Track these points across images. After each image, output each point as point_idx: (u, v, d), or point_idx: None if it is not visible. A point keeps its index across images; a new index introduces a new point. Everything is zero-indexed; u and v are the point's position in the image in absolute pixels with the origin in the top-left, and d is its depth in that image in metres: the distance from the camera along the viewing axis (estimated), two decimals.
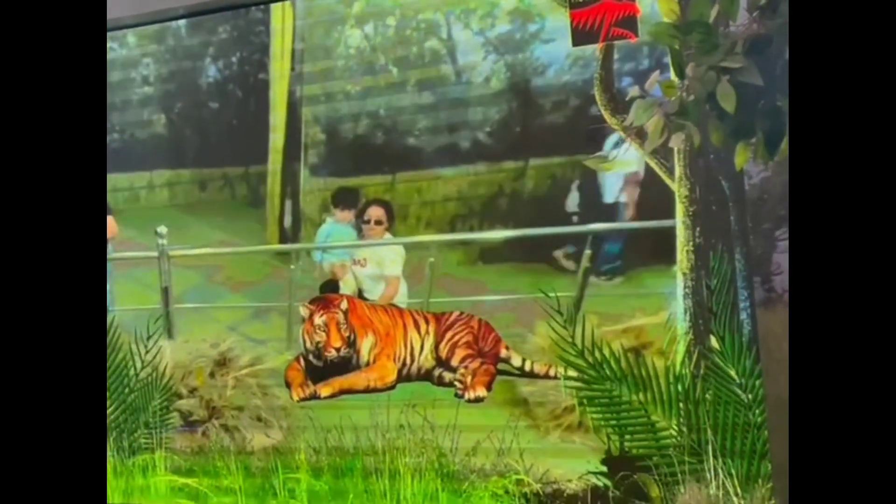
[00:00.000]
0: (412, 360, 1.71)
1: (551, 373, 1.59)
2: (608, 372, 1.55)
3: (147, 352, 1.87)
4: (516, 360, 1.62)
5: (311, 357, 1.75)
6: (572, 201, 1.59)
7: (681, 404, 1.50)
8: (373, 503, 1.67)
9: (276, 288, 1.79)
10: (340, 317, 1.73)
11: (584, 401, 1.56)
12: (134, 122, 1.92)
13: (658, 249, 1.52)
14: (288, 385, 1.76)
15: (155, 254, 1.87)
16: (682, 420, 1.50)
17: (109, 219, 1.91)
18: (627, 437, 1.53)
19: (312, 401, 1.74)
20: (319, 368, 1.74)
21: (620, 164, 1.55)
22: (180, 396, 1.84)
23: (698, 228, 1.50)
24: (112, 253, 1.91)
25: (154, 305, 1.87)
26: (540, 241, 1.60)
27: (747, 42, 1.46)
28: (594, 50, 1.57)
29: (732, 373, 1.47)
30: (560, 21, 1.59)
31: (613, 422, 1.54)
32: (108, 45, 1.92)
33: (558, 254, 1.59)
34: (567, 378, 1.57)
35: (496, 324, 1.64)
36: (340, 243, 1.76)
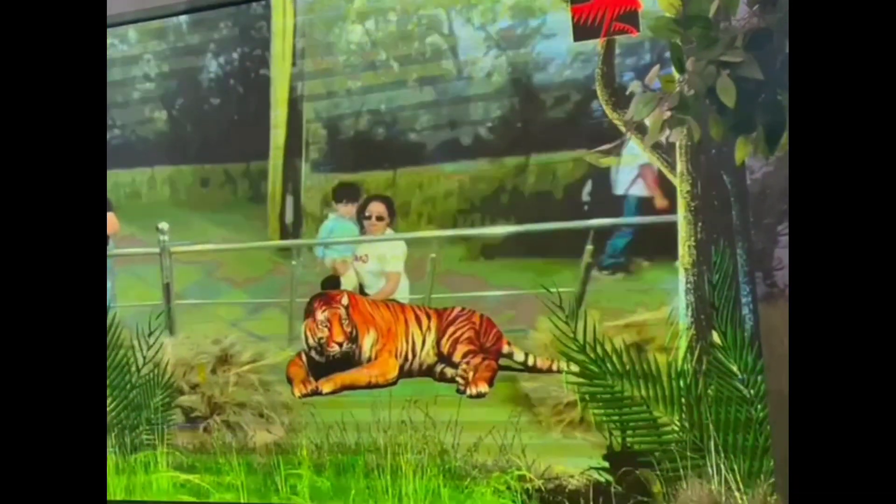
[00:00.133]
0: (414, 356, 1.71)
1: (554, 367, 1.58)
2: (610, 367, 1.55)
3: (149, 348, 1.87)
4: (519, 356, 1.62)
5: (312, 353, 1.75)
6: (586, 191, 1.59)
7: (683, 400, 1.50)
8: (375, 500, 1.67)
9: (277, 284, 1.79)
10: (342, 312, 1.73)
11: (586, 396, 1.56)
12: (135, 119, 1.92)
13: (660, 245, 1.52)
14: (290, 381, 1.76)
15: (156, 250, 1.87)
16: (683, 416, 1.50)
17: (111, 215, 1.92)
18: (629, 432, 1.53)
19: (314, 397, 1.74)
20: (321, 364, 1.74)
21: (624, 160, 1.55)
22: (182, 393, 1.84)
23: (700, 223, 1.50)
24: (113, 249, 1.91)
25: (155, 302, 1.87)
26: (541, 237, 1.60)
27: (747, 36, 1.46)
28: (595, 45, 1.57)
29: (734, 368, 1.47)
30: (561, 16, 1.59)
31: (615, 418, 1.54)
32: (110, 41, 1.93)
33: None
34: (569, 374, 1.57)
35: (497, 319, 1.64)
36: (342, 239, 1.76)
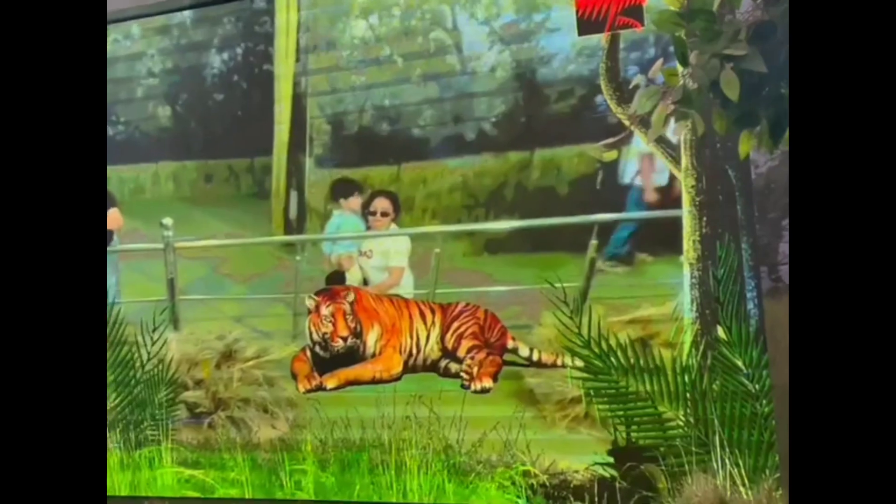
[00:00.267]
0: (418, 351, 1.70)
1: (559, 362, 1.58)
2: (614, 363, 1.54)
3: (153, 344, 1.87)
4: (524, 351, 1.62)
5: (317, 348, 1.74)
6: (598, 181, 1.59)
7: (688, 395, 1.49)
8: (379, 495, 1.67)
9: (281, 279, 1.79)
10: (347, 307, 1.72)
11: (591, 392, 1.56)
12: (139, 115, 1.92)
13: (664, 240, 1.52)
14: (294, 377, 1.76)
15: (160, 245, 1.87)
16: (688, 411, 1.49)
17: (115, 211, 1.92)
18: (634, 428, 1.53)
19: (318, 392, 1.74)
20: (326, 360, 1.74)
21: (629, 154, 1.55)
22: (186, 388, 1.84)
23: (705, 218, 1.49)
24: (117, 245, 1.91)
25: (160, 297, 1.87)
26: (545, 232, 1.60)
27: (751, 30, 1.45)
28: (600, 39, 1.57)
29: (739, 363, 1.46)
30: (566, 11, 1.59)
31: (620, 413, 1.54)
32: (114, 38, 1.93)
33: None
34: (573, 369, 1.56)
35: (502, 314, 1.64)
36: (346, 234, 1.76)
